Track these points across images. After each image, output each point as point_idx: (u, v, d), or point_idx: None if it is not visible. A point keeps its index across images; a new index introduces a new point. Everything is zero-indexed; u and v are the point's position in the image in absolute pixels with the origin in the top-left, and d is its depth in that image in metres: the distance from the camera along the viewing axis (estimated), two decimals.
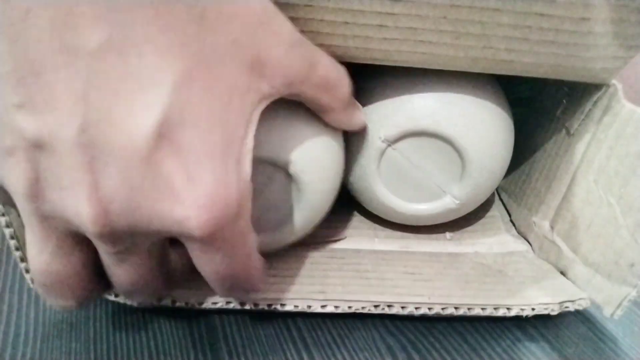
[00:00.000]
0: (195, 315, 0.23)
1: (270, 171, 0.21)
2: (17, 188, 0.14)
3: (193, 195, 0.14)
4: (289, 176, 0.21)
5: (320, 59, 0.18)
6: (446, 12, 0.19)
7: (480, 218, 0.30)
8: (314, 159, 0.21)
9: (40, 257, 0.15)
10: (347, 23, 0.19)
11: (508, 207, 0.31)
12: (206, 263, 0.16)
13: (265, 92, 0.16)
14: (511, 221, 0.30)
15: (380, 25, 0.19)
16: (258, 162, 0.19)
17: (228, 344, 0.22)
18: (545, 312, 0.23)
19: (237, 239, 0.16)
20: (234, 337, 0.22)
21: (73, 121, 0.13)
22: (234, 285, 0.18)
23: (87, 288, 0.17)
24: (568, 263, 0.25)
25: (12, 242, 0.20)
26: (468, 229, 0.29)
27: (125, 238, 0.15)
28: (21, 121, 0.13)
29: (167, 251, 0.18)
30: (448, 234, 0.29)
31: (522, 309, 0.23)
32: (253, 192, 0.20)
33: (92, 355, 0.21)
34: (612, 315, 0.23)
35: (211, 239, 0.15)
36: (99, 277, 0.17)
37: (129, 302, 0.22)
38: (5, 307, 0.23)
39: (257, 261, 0.18)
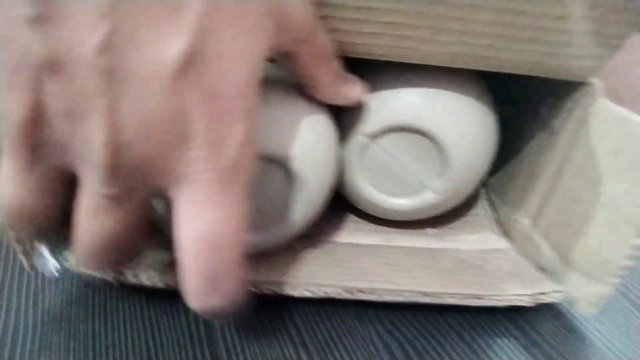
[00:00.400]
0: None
1: (267, 167, 0.20)
2: (14, 112, 0.13)
3: (206, 129, 0.13)
4: (287, 172, 0.21)
5: (320, 27, 0.18)
6: (425, 7, 0.19)
7: (464, 215, 0.30)
8: (312, 155, 0.21)
9: (15, 190, 0.14)
10: (326, 16, 0.19)
11: (495, 205, 0.31)
12: (194, 217, 0.14)
13: (273, 42, 0.16)
14: (497, 219, 0.30)
15: (358, 20, 0.19)
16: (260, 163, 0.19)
17: (226, 341, 0.22)
18: (519, 303, 0.23)
19: (238, 188, 0.15)
20: (231, 334, 0.22)
21: (94, 39, 0.12)
22: (215, 271, 0.15)
23: (55, 226, 0.16)
24: (547, 261, 0.25)
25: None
26: (451, 226, 0.29)
27: (127, 177, 0.14)
28: (32, 37, 0.12)
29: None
30: (431, 230, 0.29)
31: (494, 299, 0.23)
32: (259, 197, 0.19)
33: (90, 353, 0.21)
34: (588, 313, 0.23)
35: (214, 182, 0.14)
36: (68, 225, 0.16)
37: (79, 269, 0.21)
38: (4, 304, 0.23)
39: (240, 250, 0.16)
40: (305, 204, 0.22)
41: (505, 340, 0.23)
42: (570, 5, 0.18)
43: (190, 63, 0.13)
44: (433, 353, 0.22)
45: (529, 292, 0.23)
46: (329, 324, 0.23)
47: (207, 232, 0.14)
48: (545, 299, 0.23)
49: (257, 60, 0.15)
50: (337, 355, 0.22)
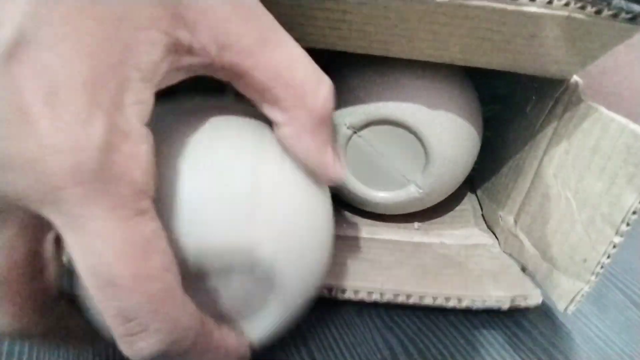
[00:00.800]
0: None
1: (228, 262, 0.14)
2: None
3: (52, 129, 0.12)
4: (256, 268, 0.15)
5: (284, 43, 0.15)
6: (398, 23, 0.19)
7: (450, 210, 0.30)
8: (292, 242, 0.15)
9: None
10: (301, 24, 0.19)
11: (481, 202, 0.31)
12: (80, 248, 0.12)
13: (184, 42, 0.13)
14: (482, 216, 0.30)
15: (333, 28, 0.19)
16: (211, 254, 0.14)
17: None
18: (497, 305, 0.23)
19: (119, 211, 0.12)
20: None
21: None
22: (125, 310, 0.12)
23: None
24: (529, 258, 0.25)
25: None
26: (437, 220, 0.29)
27: None
28: None
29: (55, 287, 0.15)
30: (416, 224, 0.29)
31: (473, 301, 0.23)
32: (207, 292, 0.15)
33: (89, 351, 0.21)
34: (565, 310, 0.23)
35: (76, 196, 0.12)
36: None
37: None
38: None
39: (152, 281, 0.13)
40: (282, 305, 0.16)
41: (506, 337, 0.23)
42: (544, 28, 0.18)
43: (20, 49, 0.11)
44: (433, 350, 0.22)
45: (508, 295, 0.23)
46: (330, 319, 0.23)
47: (93, 265, 0.12)
48: (523, 303, 0.23)
49: (128, 57, 0.12)
50: (337, 351, 0.22)
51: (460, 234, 0.28)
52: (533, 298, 0.23)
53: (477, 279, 0.24)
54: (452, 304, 0.23)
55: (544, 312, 0.25)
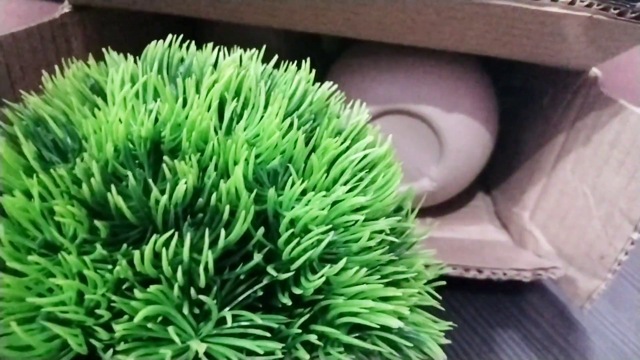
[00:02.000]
0: None
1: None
2: None
3: None
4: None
5: None
6: (414, 16, 0.19)
7: (463, 206, 0.30)
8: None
9: None
10: (316, 14, 0.19)
11: (494, 198, 0.31)
12: None
13: None
14: (495, 212, 0.30)
15: (353, 17, 0.19)
16: None
17: None
18: (517, 278, 0.22)
19: None
20: None
21: None
22: None
23: None
24: (544, 254, 0.25)
25: None
26: (450, 216, 0.29)
27: None
28: None
29: None
30: (429, 220, 0.29)
31: (494, 273, 0.22)
32: None
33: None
34: (581, 308, 0.22)
35: None
36: None
37: None
38: None
39: None
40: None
41: (521, 335, 0.23)
42: (565, 26, 0.18)
43: None
44: (447, 348, 0.22)
45: (529, 267, 0.23)
46: None
47: None
48: (544, 275, 0.23)
49: None
50: None
51: (473, 230, 0.28)
52: (555, 271, 0.23)
53: (495, 258, 0.24)
54: (471, 274, 0.22)
55: (560, 310, 0.24)
